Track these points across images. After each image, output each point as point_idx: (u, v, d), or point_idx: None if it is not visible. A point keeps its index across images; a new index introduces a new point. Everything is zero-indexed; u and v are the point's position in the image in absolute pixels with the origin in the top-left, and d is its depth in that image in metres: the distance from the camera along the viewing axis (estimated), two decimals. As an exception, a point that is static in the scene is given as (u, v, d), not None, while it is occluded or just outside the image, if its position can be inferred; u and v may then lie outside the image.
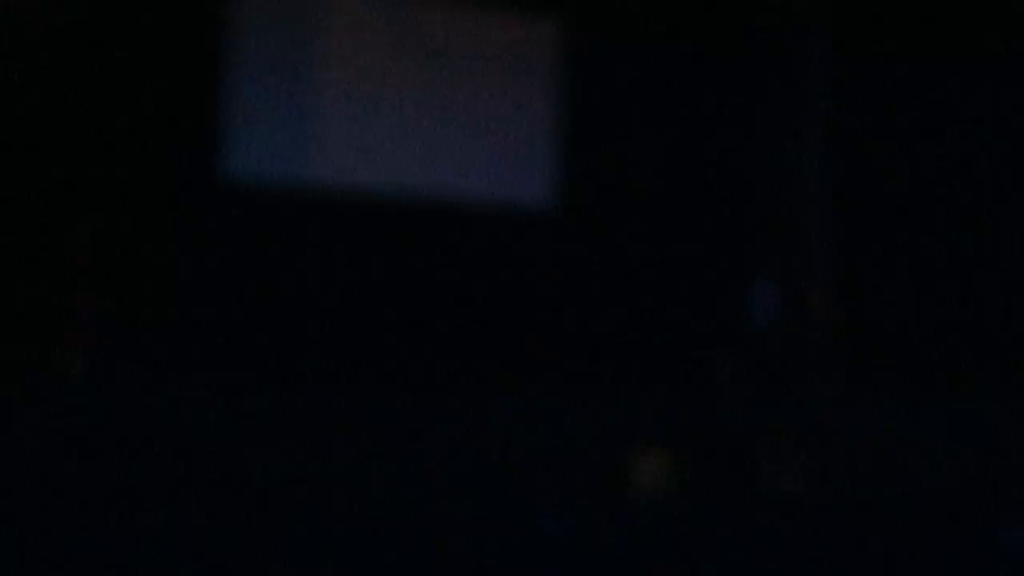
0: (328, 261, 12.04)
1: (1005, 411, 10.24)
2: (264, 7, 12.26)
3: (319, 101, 12.50)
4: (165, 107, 11.35)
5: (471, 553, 8.28)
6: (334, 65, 12.73)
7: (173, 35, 11.45)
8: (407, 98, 12.96)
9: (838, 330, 11.87)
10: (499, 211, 13.29)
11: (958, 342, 12.00)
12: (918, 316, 12.24)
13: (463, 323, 12.23)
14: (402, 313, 12.08)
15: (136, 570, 6.98)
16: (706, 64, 13.48)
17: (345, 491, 8.15)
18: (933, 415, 10.05)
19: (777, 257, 12.16)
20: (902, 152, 12.78)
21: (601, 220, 13.27)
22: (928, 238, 12.57)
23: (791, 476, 9.53)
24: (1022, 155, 12.45)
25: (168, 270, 10.76)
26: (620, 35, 13.49)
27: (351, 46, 12.89)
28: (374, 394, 9.35)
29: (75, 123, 11.08)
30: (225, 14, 12.03)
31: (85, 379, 9.60)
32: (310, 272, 11.93)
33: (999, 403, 10.44)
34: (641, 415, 9.29)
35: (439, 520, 8.28)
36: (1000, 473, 9.58)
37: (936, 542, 9.50)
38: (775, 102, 12.99)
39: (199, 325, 10.49)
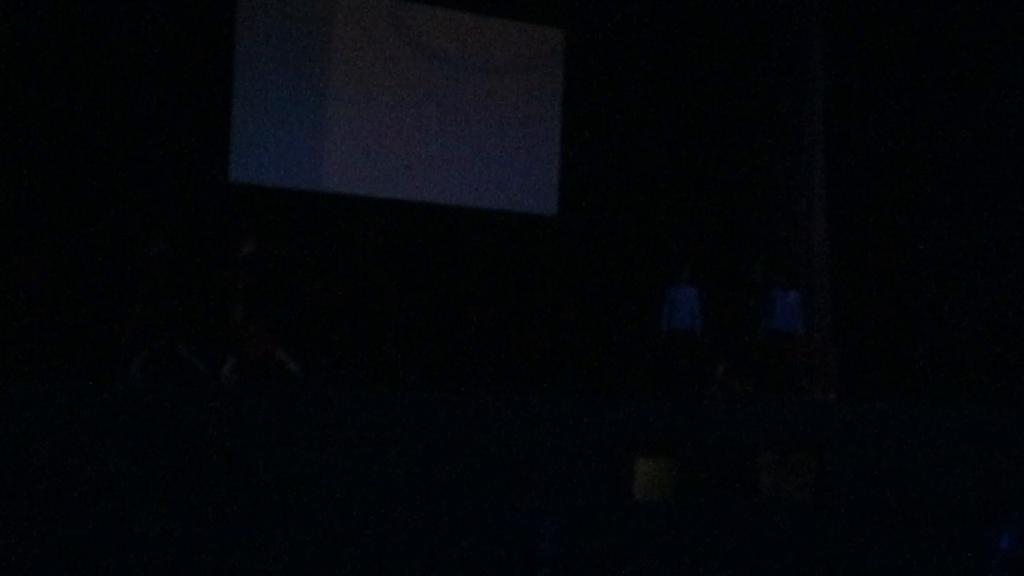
0: (333, 263, 12.16)
1: (1001, 419, 10.35)
2: (272, 16, 12.42)
3: (326, 108, 12.63)
4: (175, 113, 11.48)
5: (473, 552, 8.38)
6: (341, 72, 12.86)
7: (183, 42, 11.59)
8: (413, 104, 13.08)
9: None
10: (503, 216, 13.40)
11: (954, 348, 12.08)
12: (908, 323, 12.33)
13: (463, 325, 12.38)
14: (405, 313, 12.20)
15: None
16: (711, 75, 13.60)
17: (346, 487, 8.25)
18: (927, 421, 10.17)
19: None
20: (899, 159, 12.87)
21: (604, 224, 13.38)
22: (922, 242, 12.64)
23: (791, 479, 9.63)
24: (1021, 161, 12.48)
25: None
26: (627, 44, 13.61)
27: (358, 53, 13.01)
28: (374, 390, 9.46)
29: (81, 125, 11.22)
30: (234, 22, 12.18)
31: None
32: (315, 273, 12.04)
33: (994, 411, 10.55)
34: (642, 417, 9.39)
35: (439, 519, 8.37)
36: (996, 479, 9.69)
37: (934, 545, 9.54)
38: (777, 112, 13.10)
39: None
